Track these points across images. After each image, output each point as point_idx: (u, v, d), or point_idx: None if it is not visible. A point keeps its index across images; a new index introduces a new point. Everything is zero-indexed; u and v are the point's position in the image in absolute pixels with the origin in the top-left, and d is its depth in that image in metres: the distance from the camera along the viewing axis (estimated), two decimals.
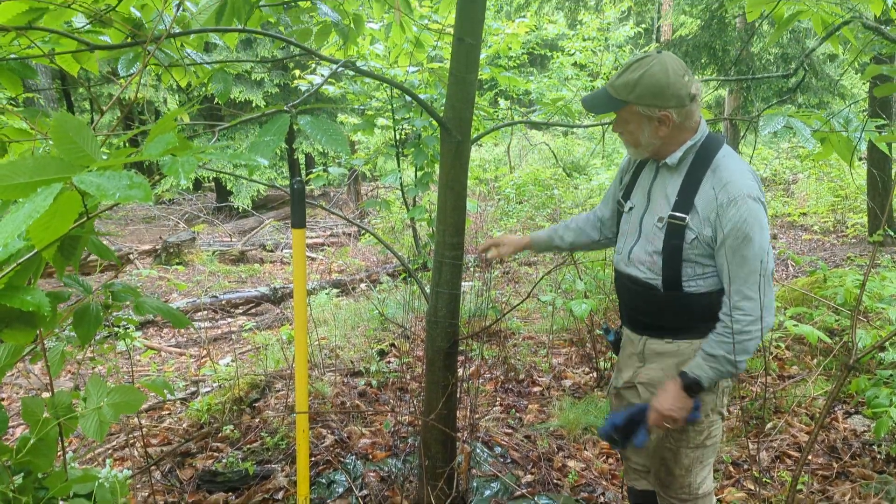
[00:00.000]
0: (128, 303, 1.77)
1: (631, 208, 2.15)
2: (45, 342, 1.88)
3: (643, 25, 20.06)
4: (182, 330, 6.41)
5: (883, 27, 2.61)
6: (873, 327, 3.92)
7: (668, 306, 2.03)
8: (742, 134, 11.34)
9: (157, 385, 2.11)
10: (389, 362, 4.63)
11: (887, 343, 3.59)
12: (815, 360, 4.34)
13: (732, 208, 1.84)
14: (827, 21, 2.66)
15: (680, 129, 1.98)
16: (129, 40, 2.20)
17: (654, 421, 2.00)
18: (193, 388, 4.36)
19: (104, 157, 1.21)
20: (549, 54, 14.20)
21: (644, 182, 2.13)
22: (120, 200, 1.01)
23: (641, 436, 2.05)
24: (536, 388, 4.27)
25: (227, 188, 15.41)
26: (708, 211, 1.88)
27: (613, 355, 2.44)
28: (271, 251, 10.75)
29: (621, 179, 2.30)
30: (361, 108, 5.99)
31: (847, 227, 9.90)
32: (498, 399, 4.10)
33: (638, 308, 2.14)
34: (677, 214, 1.94)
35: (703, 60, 9.83)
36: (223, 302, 7.10)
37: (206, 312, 6.91)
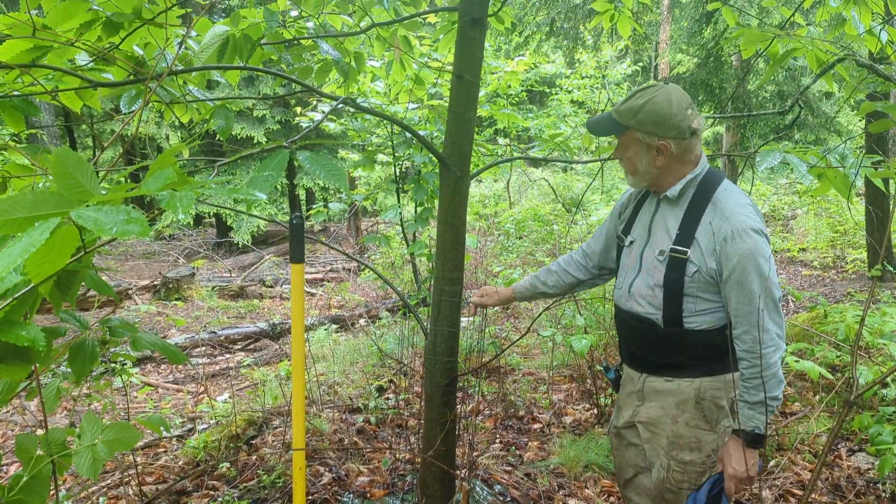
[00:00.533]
0: (125, 338, 1.76)
1: (632, 242, 2.14)
2: (41, 378, 1.86)
3: (640, 63, 20.32)
4: (180, 366, 6.37)
5: (877, 65, 2.64)
6: (874, 363, 3.89)
7: (667, 343, 2.01)
8: (740, 171, 11.41)
9: (152, 422, 2.09)
10: (388, 398, 4.59)
11: (889, 379, 3.57)
12: (817, 397, 4.30)
13: (737, 241, 1.84)
14: (822, 58, 2.69)
15: (679, 162, 1.99)
16: (131, 77, 2.22)
17: (735, 489, 1.94)
18: (190, 425, 4.31)
19: (103, 192, 1.21)
20: (547, 91, 14.37)
21: (644, 216, 2.13)
22: (117, 236, 1.02)
23: None
24: (536, 425, 4.22)
25: (228, 223, 15.46)
26: (711, 244, 1.89)
27: (614, 392, 2.42)
28: (271, 286, 10.74)
29: (619, 214, 2.30)
30: (362, 144, 6.04)
31: (847, 263, 9.90)
32: (497, 436, 4.05)
33: (637, 345, 2.12)
34: (678, 248, 1.94)
35: (700, 97, 9.94)
36: (221, 338, 7.07)
37: (204, 348, 6.87)
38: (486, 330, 5.01)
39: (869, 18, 3.04)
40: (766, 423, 1.88)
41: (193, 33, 2.62)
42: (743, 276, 1.84)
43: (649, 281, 2.02)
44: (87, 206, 1.06)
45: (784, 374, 4.52)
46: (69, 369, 1.63)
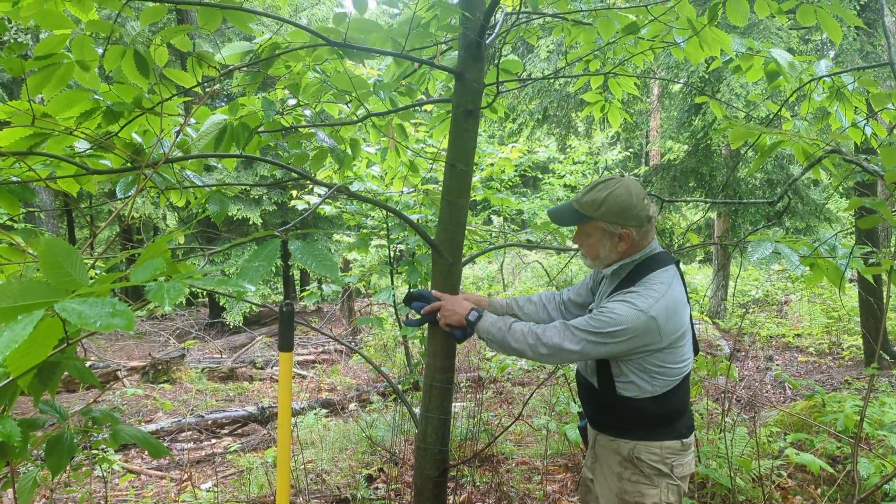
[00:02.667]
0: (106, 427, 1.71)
1: (590, 311, 2.28)
2: (20, 466, 1.80)
3: (631, 150, 20.79)
4: None
5: (863, 159, 2.70)
6: (876, 455, 3.81)
7: (605, 405, 2.18)
8: (732, 256, 11.49)
9: None
10: (377, 488, 4.44)
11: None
12: (818, 490, 4.18)
13: (621, 295, 2.02)
14: (808, 150, 2.75)
15: (634, 247, 2.14)
16: (128, 164, 2.25)
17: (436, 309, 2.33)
18: None
19: (91, 281, 1.20)
20: (540, 176, 14.62)
21: (601, 290, 2.33)
22: (101, 329, 1.00)
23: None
24: None
25: (220, 304, 15.37)
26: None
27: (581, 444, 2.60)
28: (261, 368, 10.59)
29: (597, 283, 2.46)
30: (357, 226, 6.08)
31: (843, 350, 9.85)
32: None
33: (587, 404, 2.31)
34: None
35: (690, 184, 10.11)
36: (209, 422, 6.91)
37: (190, 433, 6.71)
38: (479, 417, 4.91)
39: (852, 113, 3.13)
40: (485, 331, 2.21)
41: (192, 121, 2.67)
42: (610, 303, 2.02)
43: None
44: (72, 298, 1.05)
45: (784, 465, 4.43)
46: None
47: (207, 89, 2.62)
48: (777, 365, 9.10)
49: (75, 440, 1.70)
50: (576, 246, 2.31)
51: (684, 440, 2.16)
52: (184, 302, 17.62)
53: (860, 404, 4.23)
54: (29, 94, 1.96)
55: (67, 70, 2.16)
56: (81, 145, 2.37)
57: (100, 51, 2.24)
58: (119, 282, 1.18)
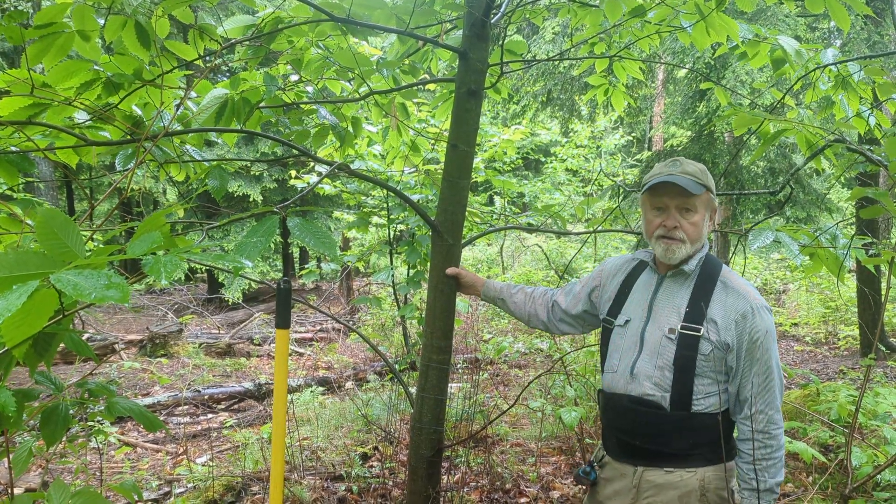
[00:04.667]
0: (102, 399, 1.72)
1: (627, 321, 2.02)
2: (15, 437, 1.80)
3: (634, 134, 20.70)
4: None
5: (867, 148, 2.69)
6: (868, 445, 3.82)
7: (673, 428, 1.88)
8: (735, 245, 11.48)
9: (125, 488, 2.02)
10: (372, 466, 4.47)
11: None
12: (810, 478, 4.21)
13: (757, 319, 1.82)
14: (811, 140, 2.74)
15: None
16: (127, 137, 2.24)
17: None
18: (167, 489, 4.18)
19: (88, 254, 1.19)
20: (543, 159, 14.58)
21: (641, 294, 2.04)
22: (96, 301, 0.99)
23: None
24: (523, 499, 4.10)
25: (219, 280, 15.38)
26: (726, 321, 1.84)
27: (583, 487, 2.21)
28: (259, 345, 10.62)
29: (594, 293, 2.23)
30: (357, 205, 6.06)
31: (839, 339, 9.88)
32: None
33: (636, 432, 1.94)
34: (691, 325, 1.86)
35: None
36: (205, 397, 6.94)
37: (187, 407, 6.73)
38: (475, 398, 4.93)
39: (857, 103, 3.11)
40: None
41: (193, 94, 2.65)
42: (763, 354, 1.81)
43: (657, 361, 1.90)
44: (68, 269, 1.04)
45: None
46: None
47: (209, 63, 2.59)
48: None
49: (71, 412, 1.71)
50: (578, 229, 2.25)
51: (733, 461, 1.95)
52: (182, 277, 17.65)
53: (854, 394, 4.24)
54: (28, 64, 1.94)
55: (68, 40, 2.14)
56: (81, 116, 2.35)
57: (101, 21, 2.21)
58: (116, 254, 1.17)
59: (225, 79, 2.67)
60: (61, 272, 1.01)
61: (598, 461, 2.12)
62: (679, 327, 1.88)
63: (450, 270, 2.53)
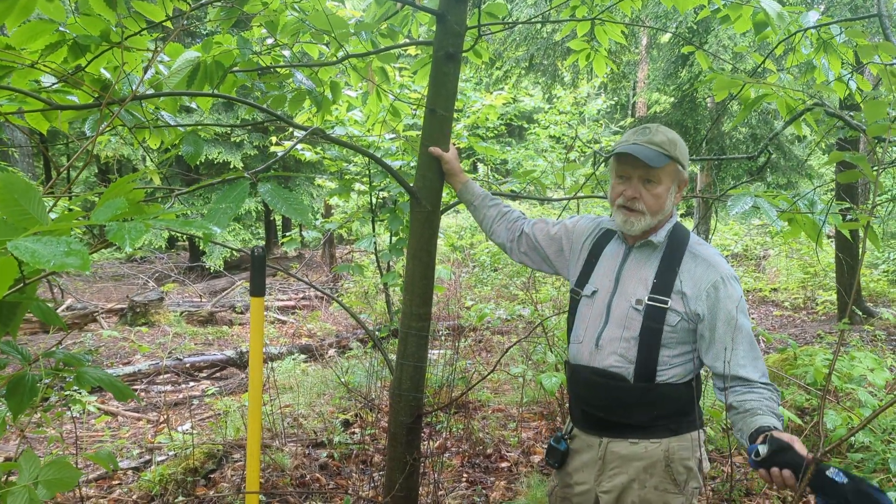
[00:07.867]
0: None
1: (594, 291, 2.00)
2: None
3: (616, 100, 20.61)
4: (141, 393, 6.21)
5: (846, 113, 2.68)
6: (843, 408, 3.89)
7: (635, 400, 1.87)
8: (714, 211, 11.54)
9: (101, 457, 2.00)
10: (354, 433, 4.49)
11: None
12: None
13: (728, 288, 1.81)
14: (791, 105, 2.72)
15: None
16: (95, 101, 2.17)
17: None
18: (148, 457, 4.18)
19: (52, 219, 1.16)
20: (526, 126, 14.49)
21: (607, 265, 2.01)
22: (55, 268, 0.96)
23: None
24: (504, 464, 4.15)
25: (201, 248, 15.26)
26: (696, 291, 1.82)
27: (552, 466, 2.17)
28: (241, 313, 10.57)
29: (561, 248, 2.19)
30: (339, 172, 6.00)
31: (817, 304, 10.01)
32: (464, 474, 3.97)
33: (600, 404, 1.95)
34: (658, 297, 1.85)
35: None
36: (187, 365, 6.91)
37: (168, 376, 6.72)
38: (457, 364, 4.94)
39: (839, 66, 3.09)
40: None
41: (165, 58, 2.57)
42: (741, 321, 1.80)
43: (623, 332, 1.89)
44: (26, 236, 1.01)
45: None
46: None
47: (178, 25, 2.52)
48: (752, 318, 9.23)
49: (46, 381, 1.68)
50: (557, 198, 2.22)
51: (703, 428, 1.95)
52: (163, 245, 17.47)
53: (830, 358, 4.30)
54: None
55: None
56: (48, 80, 2.28)
57: None
58: (79, 221, 1.13)
59: (199, 43, 2.60)
60: (18, 239, 0.97)
61: (567, 433, 2.11)
62: (646, 298, 1.86)
63: (433, 149, 2.42)
